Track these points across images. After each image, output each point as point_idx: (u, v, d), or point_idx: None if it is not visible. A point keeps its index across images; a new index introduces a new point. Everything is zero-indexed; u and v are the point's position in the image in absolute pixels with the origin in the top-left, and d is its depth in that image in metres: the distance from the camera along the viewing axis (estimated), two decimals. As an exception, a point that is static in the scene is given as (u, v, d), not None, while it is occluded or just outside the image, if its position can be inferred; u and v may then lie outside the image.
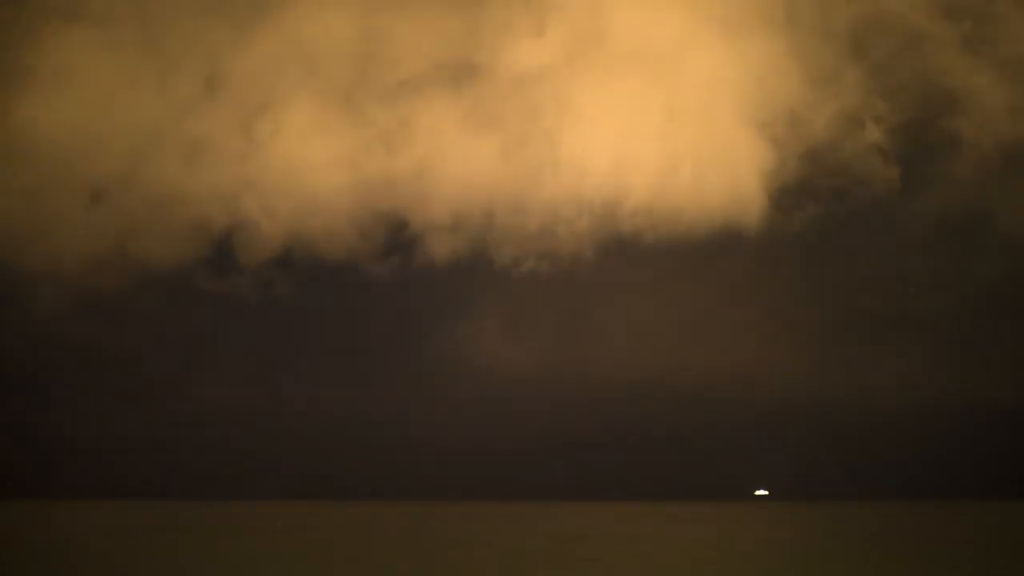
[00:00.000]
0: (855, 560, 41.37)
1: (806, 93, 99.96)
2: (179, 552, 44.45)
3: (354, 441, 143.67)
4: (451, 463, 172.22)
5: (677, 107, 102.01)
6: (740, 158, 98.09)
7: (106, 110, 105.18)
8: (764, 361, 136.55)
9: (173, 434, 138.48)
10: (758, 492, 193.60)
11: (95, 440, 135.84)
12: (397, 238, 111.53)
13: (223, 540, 53.22)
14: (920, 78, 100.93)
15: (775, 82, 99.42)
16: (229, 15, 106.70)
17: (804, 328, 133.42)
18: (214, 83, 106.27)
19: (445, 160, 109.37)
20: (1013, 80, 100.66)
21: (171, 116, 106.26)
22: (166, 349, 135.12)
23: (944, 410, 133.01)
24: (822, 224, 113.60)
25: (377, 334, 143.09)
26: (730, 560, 41.73)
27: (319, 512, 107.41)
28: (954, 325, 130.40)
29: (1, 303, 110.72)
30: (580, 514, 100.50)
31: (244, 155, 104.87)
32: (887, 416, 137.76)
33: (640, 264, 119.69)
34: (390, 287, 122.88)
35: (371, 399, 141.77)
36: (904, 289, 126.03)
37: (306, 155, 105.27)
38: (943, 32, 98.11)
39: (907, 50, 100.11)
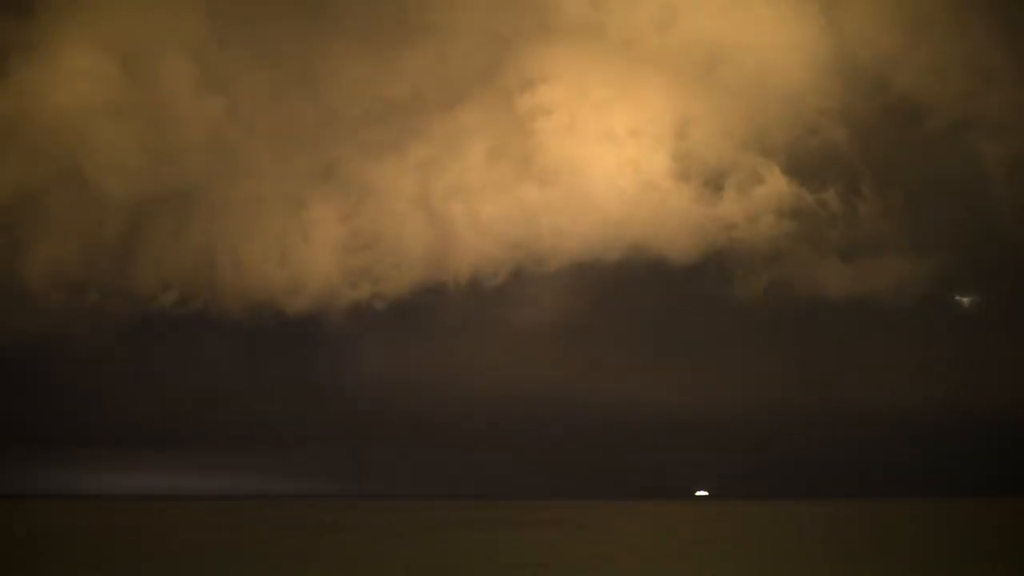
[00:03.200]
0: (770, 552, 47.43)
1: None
2: None
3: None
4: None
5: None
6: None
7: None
8: (704, 371, 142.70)
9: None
10: (698, 492, 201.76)
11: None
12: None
13: None
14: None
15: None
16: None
17: (732, 341, 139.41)
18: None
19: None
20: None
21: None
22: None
23: (864, 413, 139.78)
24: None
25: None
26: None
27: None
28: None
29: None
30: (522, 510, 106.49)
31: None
32: (814, 421, 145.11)
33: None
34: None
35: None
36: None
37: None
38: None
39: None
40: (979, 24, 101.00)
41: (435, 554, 42.79)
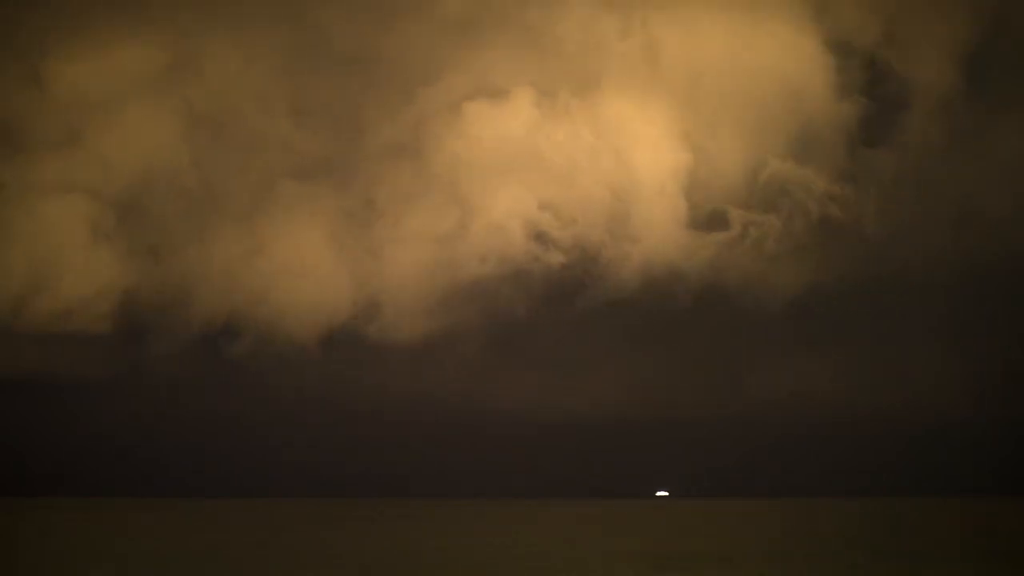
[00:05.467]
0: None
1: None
2: None
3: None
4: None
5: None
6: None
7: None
8: (667, 378, 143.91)
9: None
10: (659, 492, 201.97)
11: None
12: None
13: None
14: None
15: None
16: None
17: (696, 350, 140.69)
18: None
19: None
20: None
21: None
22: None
23: (810, 416, 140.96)
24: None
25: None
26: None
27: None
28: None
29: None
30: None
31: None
32: (764, 426, 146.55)
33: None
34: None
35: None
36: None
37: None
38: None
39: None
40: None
41: (374, 553, 42.15)
